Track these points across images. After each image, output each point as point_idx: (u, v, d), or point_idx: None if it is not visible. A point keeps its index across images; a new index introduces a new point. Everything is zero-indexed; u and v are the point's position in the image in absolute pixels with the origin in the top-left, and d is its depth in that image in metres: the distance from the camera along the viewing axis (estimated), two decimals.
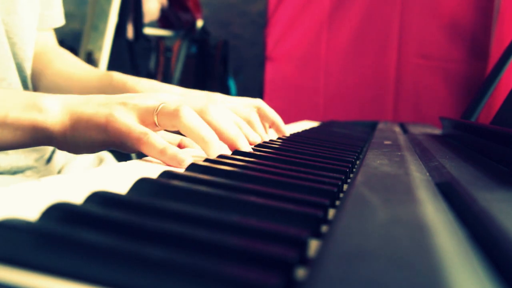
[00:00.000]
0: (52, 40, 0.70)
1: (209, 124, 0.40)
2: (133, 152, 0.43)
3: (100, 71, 0.63)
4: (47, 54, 0.66)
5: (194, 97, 0.56)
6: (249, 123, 0.54)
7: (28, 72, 0.57)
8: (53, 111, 0.37)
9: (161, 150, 0.35)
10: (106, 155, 0.72)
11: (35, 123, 0.37)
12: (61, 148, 0.39)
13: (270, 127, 0.63)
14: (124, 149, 0.41)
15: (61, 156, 0.67)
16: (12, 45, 0.54)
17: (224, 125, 0.40)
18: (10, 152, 0.55)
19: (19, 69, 0.55)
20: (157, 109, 0.37)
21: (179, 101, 0.40)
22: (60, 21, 0.67)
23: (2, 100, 0.37)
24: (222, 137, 0.40)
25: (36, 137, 0.38)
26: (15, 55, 0.54)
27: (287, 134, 0.61)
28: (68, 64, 0.65)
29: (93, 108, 0.37)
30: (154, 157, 0.36)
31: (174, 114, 0.37)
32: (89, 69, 0.64)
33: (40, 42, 0.66)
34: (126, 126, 0.36)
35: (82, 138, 0.37)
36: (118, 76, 0.57)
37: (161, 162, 0.36)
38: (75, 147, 0.38)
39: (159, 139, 0.36)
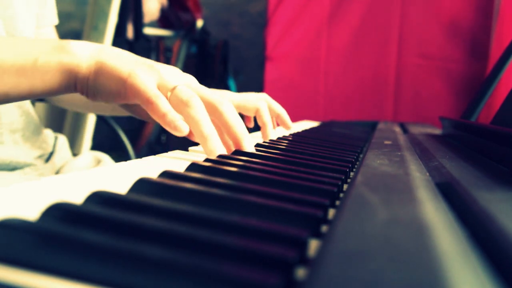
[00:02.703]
0: (55, 38, 0.70)
1: (220, 116, 0.41)
2: (139, 115, 0.44)
3: None
4: None
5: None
6: (258, 111, 0.56)
7: None
8: (80, 54, 0.39)
9: (163, 113, 0.37)
10: (104, 157, 0.72)
11: (62, 65, 0.38)
12: (82, 91, 0.40)
13: (275, 119, 0.64)
14: (134, 109, 0.42)
15: (60, 157, 0.68)
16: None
17: (234, 121, 0.41)
18: (10, 144, 0.56)
19: None
20: (174, 88, 0.39)
21: (195, 88, 0.41)
22: (55, 20, 0.68)
23: (32, 47, 0.38)
24: (229, 132, 0.41)
25: (62, 80, 0.39)
26: None
27: (292, 127, 0.63)
28: None
29: (119, 60, 0.39)
30: (156, 120, 0.37)
31: (184, 102, 0.38)
32: None
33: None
34: (144, 84, 0.37)
35: (101, 85, 0.39)
36: None
37: (161, 161, 0.36)
38: (94, 93, 0.39)
39: (167, 105, 0.37)
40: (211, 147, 0.38)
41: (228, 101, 0.42)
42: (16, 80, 0.38)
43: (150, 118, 0.42)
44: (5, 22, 0.53)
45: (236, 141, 0.41)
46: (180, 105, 0.38)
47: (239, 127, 0.41)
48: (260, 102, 0.57)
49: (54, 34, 0.70)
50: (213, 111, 0.41)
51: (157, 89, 0.39)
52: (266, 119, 0.57)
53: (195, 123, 0.38)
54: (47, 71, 0.38)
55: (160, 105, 0.37)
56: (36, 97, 0.40)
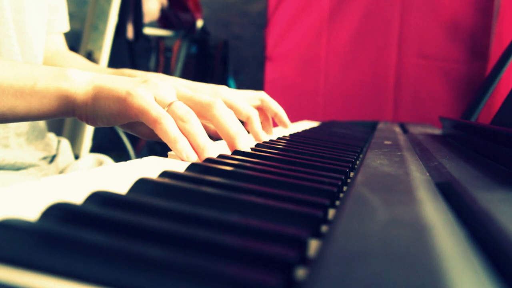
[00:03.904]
0: (63, 45, 0.72)
1: (212, 118, 0.41)
2: (142, 135, 0.44)
3: (109, 69, 0.65)
4: (58, 58, 0.68)
5: (195, 89, 0.58)
6: (248, 119, 0.56)
7: None
8: (78, 81, 0.39)
9: (173, 138, 0.37)
10: (105, 159, 0.72)
11: (60, 91, 0.39)
12: (81, 117, 0.41)
13: (273, 118, 0.64)
14: (134, 128, 0.42)
15: (63, 159, 0.68)
16: (22, 43, 0.54)
17: (227, 121, 0.42)
18: (15, 147, 0.56)
19: None
20: (170, 104, 0.39)
21: (189, 95, 0.42)
22: (66, 27, 0.69)
23: (32, 71, 0.39)
24: (222, 133, 0.42)
25: (60, 105, 0.39)
26: (24, 54, 0.55)
27: (290, 126, 0.63)
28: (77, 65, 0.67)
29: (116, 83, 0.39)
30: (165, 141, 0.38)
31: (180, 118, 0.39)
32: (98, 68, 0.66)
33: (52, 47, 0.68)
34: (146, 102, 0.38)
35: (101, 109, 0.39)
36: (128, 71, 0.61)
37: (161, 161, 0.36)
38: (93, 118, 0.40)
39: (175, 127, 0.38)
40: (208, 156, 0.38)
41: (220, 101, 0.42)
42: (14, 101, 0.38)
43: (153, 137, 0.43)
44: (16, 26, 0.53)
45: (230, 141, 0.41)
46: (177, 120, 0.39)
47: (232, 127, 0.41)
48: (252, 112, 0.56)
49: (62, 41, 0.71)
50: (205, 114, 0.41)
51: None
52: (256, 129, 0.56)
53: (190, 136, 0.39)
54: (45, 95, 0.39)
55: (169, 128, 0.37)
56: (32, 120, 0.41)
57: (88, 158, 0.72)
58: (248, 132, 0.61)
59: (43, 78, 0.39)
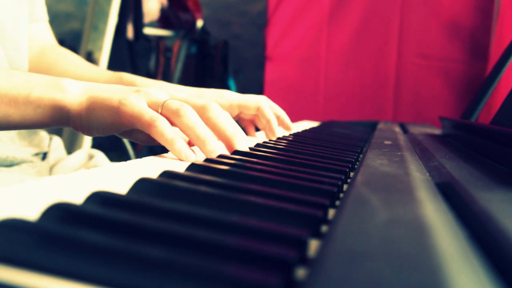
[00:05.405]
0: (51, 38, 0.70)
1: (208, 120, 0.41)
2: (141, 141, 0.44)
3: (108, 72, 0.65)
4: (49, 54, 0.68)
5: (200, 95, 0.58)
6: (259, 110, 0.57)
7: (21, 64, 0.57)
8: (72, 92, 0.40)
9: (170, 139, 0.37)
10: (96, 153, 0.72)
11: (55, 101, 0.39)
12: (76, 128, 0.41)
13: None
14: (132, 135, 0.43)
15: (55, 156, 0.68)
16: (3, 38, 0.54)
17: (223, 123, 0.41)
18: (7, 141, 0.56)
19: (10, 62, 0.55)
20: (162, 104, 0.39)
21: (183, 99, 0.42)
22: (44, 16, 0.68)
23: (27, 80, 0.39)
24: (219, 134, 0.41)
25: (55, 115, 0.40)
26: (6, 49, 0.54)
27: (292, 129, 0.64)
28: (73, 64, 0.67)
29: (109, 93, 0.40)
30: (162, 144, 0.38)
31: (175, 113, 0.39)
32: (97, 70, 0.66)
33: (39, 39, 0.67)
34: (138, 108, 0.38)
35: (95, 119, 0.39)
36: (128, 77, 0.60)
37: (161, 161, 0.36)
38: (88, 128, 0.40)
39: (170, 128, 0.38)
40: (210, 148, 0.38)
41: (215, 103, 0.42)
42: (8, 110, 0.39)
43: (151, 141, 0.43)
44: None
45: (227, 142, 0.41)
46: (172, 116, 0.39)
47: (229, 127, 0.41)
48: (261, 100, 0.58)
49: (50, 33, 0.70)
50: (201, 117, 0.41)
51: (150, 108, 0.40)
52: (269, 116, 0.58)
53: (189, 129, 0.38)
54: (39, 105, 0.39)
55: (164, 130, 0.37)
56: (27, 128, 0.42)
57: (79, 153, 0.72)
58: (259, 130, 0.62)
59: (38, 87, 0.39)
